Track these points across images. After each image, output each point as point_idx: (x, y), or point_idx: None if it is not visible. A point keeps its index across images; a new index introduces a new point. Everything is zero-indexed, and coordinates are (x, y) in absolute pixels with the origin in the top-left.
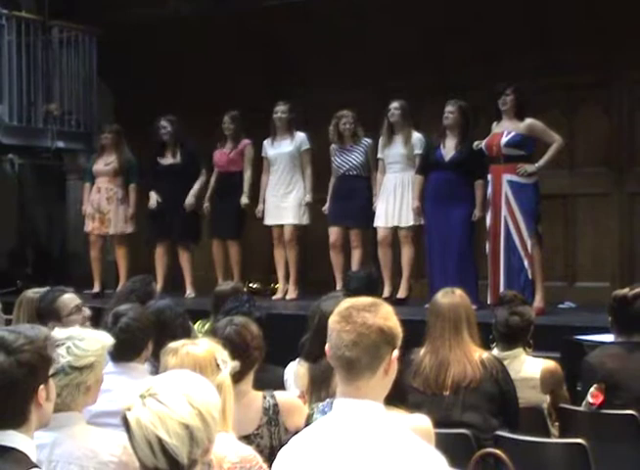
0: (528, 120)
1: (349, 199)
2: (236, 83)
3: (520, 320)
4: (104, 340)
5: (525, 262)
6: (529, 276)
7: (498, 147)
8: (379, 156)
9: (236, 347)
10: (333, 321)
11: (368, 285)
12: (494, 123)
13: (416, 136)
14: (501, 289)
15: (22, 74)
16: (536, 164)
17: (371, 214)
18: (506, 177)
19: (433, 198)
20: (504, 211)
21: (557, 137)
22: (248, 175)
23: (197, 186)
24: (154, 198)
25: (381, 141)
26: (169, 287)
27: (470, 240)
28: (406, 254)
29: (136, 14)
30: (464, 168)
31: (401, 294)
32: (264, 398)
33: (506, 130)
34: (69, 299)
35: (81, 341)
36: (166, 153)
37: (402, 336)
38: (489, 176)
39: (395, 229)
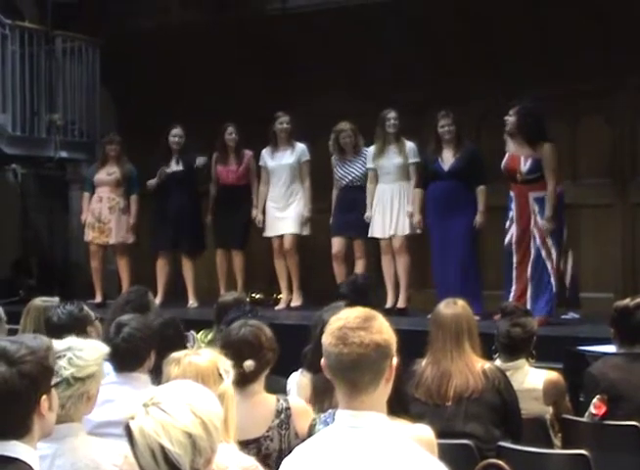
0: (546, 148)
1: (352, 210)
2: (237, 92)
3: (521, 331)
4: (101, 348)
5: (552, 276)
6: (554, 289)
7: (520, 174)
8: (370, 165)
9: (250, 347)
10: (329, 343)
11: (354, 292)
12: (507, 136)
13: (409, 145)
14: (528, 303)
15: (25, 84)
16: (547, 216)
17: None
18: (532, 195)
19: (435, 209)
20: (533, 229)
21: (551, 182)
22: (256, 188)
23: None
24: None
25: (374, 150)
26: (172, 297)
27: (474, 249)
28: (402, 263)
29: (138, 23)
30: (464, 176)
31: (401, 304)
32: (278, 400)
33: (523, 156)
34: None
35: (81, 351)
36: (173, 160)
37: (402, 345)
38: (511, 193)
39: (391, 238)
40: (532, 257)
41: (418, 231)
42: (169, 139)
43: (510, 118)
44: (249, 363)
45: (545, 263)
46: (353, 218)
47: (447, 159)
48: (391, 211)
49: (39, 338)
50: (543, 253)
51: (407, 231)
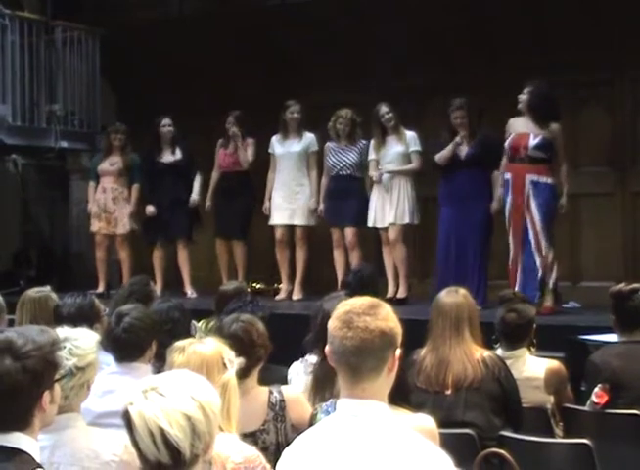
0: (555, 127)
1: (344, 199)
2: (237, 83)
3: (516, 318)
4: (93, 335)
5: (538, 263)
6: (539, 276)
7: (526, 149)
8: (372, 157)
9: (242, 343)
10: (334, 327)
11: (359, 282)
12: (512, 119)
13: (409, 134)
14: (517, 288)
15: (25, 75)
16: (564, 195)
17: (366, 214)
18: (529, 178)
19: (451, 196)
20: (525, 213)
21: (565, 163)
22: (245, 162)
23: (197, 184)
24: (150, 208)
25: (373, 143)
26: (170, 287)
27: (488, 238)
28: (399, 253)
29: (138, 14)
30: (480, 163)
31: (401, 294)
32: (271, 393)
33: (532, 133)
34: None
35: (77, 340)
36: (165, 151)
37: (403, 334)
38: (509, 175)
39: (388, 228)
40: (522, 243)
41: (415, 222)
42: (161, 129)
43: (522, 97)
44: (238, 361)
45: (533, 251)
46: (345, 207)
47: (463, 147)
48: (391, 200)
49: (47, 332)
50: (533, 242)
51: (407, 220)
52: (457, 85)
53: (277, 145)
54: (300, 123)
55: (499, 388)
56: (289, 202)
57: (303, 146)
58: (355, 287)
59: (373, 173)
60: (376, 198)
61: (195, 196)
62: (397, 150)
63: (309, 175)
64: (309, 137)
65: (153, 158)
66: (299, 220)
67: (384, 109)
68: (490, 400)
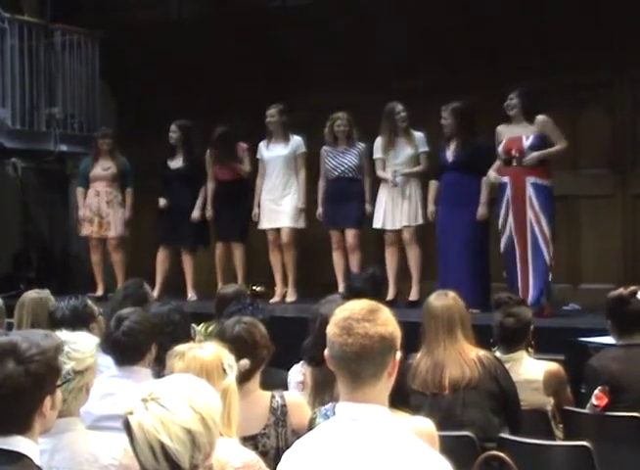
0: (539, 118)
1: (345, 201)
2: (237, 86)
3: (515, 321)
4: (92, 339)
5: (548, 262)
6: (550, 278)
7: (521, 152)
8: (378, 155)
9: (245, 345)
10: (333, 334)
11: (372, 286)
12: (501, 126)
13: (418, 135)
14: (530, 291)
15: (24, 78)
16: (533, 154)
17: (367, 215)
18: (529, 180)
19: (443, 200)
20: (529, 214)
21: (562, 140)
22: (244, 173)
23: (201, 197)
24: (162, 201)
25: (381, 142)
26: (170, 290)
27: (480, 240)
28: (414, 255)
29: (138, 15)
30: (469, 168)
31: (413, 296)
32: (273, 397)
33: (524, 135)
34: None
35: (76, 344)
36: (175, 157)
37: (405, 338)
38: (507, 179)
39: (400, 230)
40: (530, 247)
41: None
42: (169, 135)
43: (512, 102)
44: (243, 362)
45: (543, 252)
46: (347, 209)
47: (453, 150)
48: (402, 202)
49: (51, 337)
50: (542, 242)
51: (420, 221)
52: (457, 85)
53: (264, 150)
54: (284, 127)
55: (497, 386)
56: (276, 205)
57: (291, 149)
58: (365, 290)
59: (382, 174)
60: (385, 199)
61: (196, 212)
62: (408, 152)
63: (297, 177)
64: (296, 140)
65: (165, 162)
66: (284, 223)
67: (399, 107)
68: (489, 399)
